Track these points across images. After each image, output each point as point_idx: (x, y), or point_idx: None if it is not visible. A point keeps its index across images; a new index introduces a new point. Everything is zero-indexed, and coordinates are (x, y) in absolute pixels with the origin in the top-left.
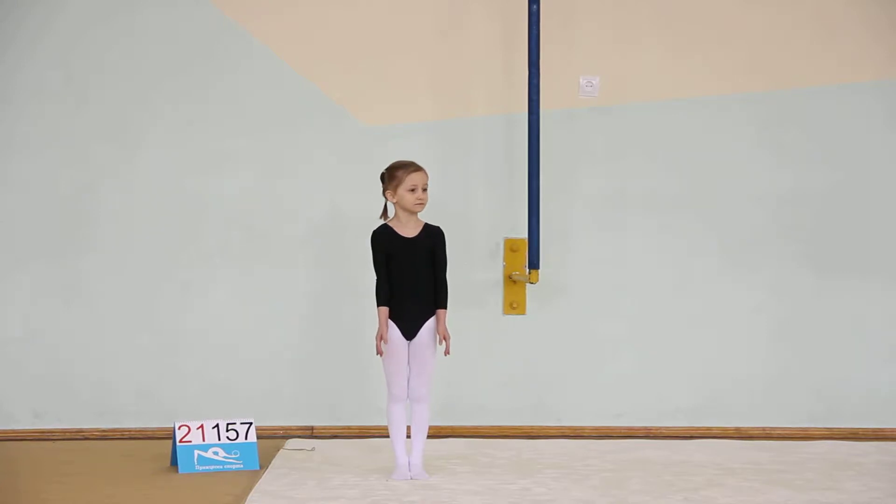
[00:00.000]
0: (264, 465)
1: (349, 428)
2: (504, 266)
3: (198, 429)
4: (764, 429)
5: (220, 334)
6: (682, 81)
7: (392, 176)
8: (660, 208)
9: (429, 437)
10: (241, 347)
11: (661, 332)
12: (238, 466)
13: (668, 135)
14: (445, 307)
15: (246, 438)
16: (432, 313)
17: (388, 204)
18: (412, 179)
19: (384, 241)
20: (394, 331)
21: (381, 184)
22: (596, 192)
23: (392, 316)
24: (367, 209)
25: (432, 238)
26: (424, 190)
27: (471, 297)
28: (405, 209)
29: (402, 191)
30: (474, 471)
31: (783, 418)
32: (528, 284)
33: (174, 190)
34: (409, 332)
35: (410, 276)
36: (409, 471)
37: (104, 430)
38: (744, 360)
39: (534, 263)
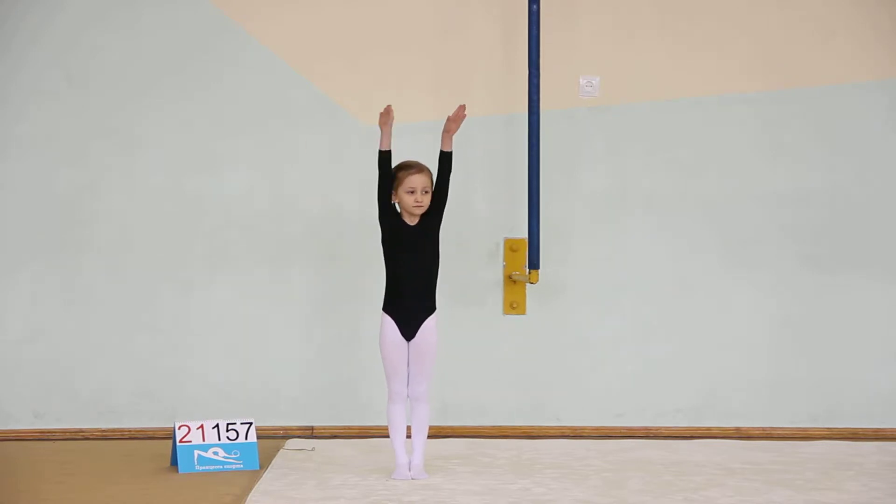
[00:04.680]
0: (264, 465)
1: (349, 428)
2: (504, 266)
3: (198, 429)
4: (764, 429)
5: (220, 334)
6: (682, 81)
7: (394, 176)
8: (660, 208)
9: (429, 437)
10: (241, 347)
11: (661, 332)
12: (238, 466)
13: (668, 134)
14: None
15: (246, 438)
16: (431, 312)
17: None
18: (410, 182)
19: (392, 214)
20: (393, 330)
21: None
22: (596, 192)
23: (391, 314)
24: (366, 209)
25: (428, 213)
26: (425, 192)
27: (471, 297)
28: (405, 210)
29: (402, 192)
30: (474, 471)
31: (783, 418)
32: (528, 284)
33: (174, 189)
34: (409, 333)
35: (411, 272)
36: (409, 471)
37: (104, 430)
38: (744, 360)
39: (534, 263)
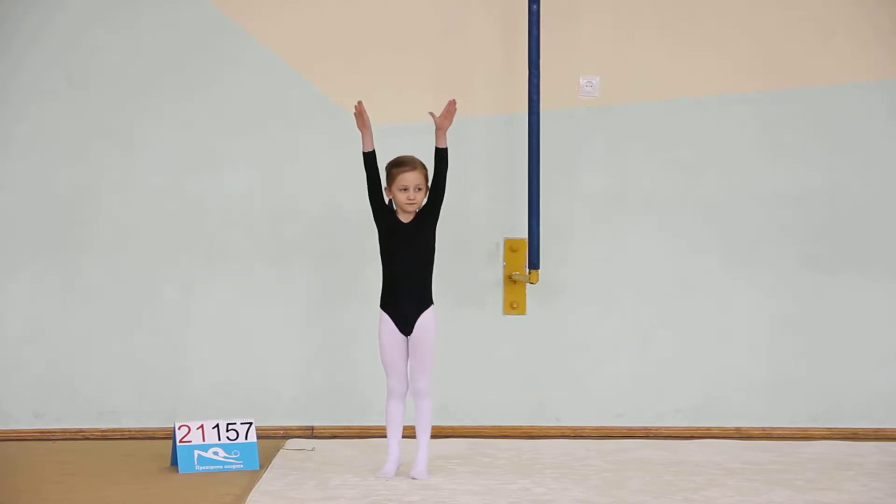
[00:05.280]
0: (264, 465)
1: (349, 428)
2: (504, 266)
3: (198, 429)
4: (764, 429)
5: (220, 334)
6: (682, 81)
7: (388, 173)
8: (660, 208)
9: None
10: (240, 347)
11: (661, 332)
12: (238, 466)
13: (668, 134)
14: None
15: (246, 438)
16: (427, 306)
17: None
18: (403, 179)
19: (387, 211)
20: (390, 327)
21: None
22: (596, 192)
23: (387, 311)
24: (366, 209)
25: (423, 210)
26: (418, 189)
27: (471, 297)
28: (399, 208)
29: (395, 189)
30: (474, 471)
31: (783, 418)
32: (528, 284)
33: (174, 189)
34: (406, 329)
35: (406, 269)
36: (412, 471)
37: (104, 430)
38: (744, 360)
39: (534, 263)
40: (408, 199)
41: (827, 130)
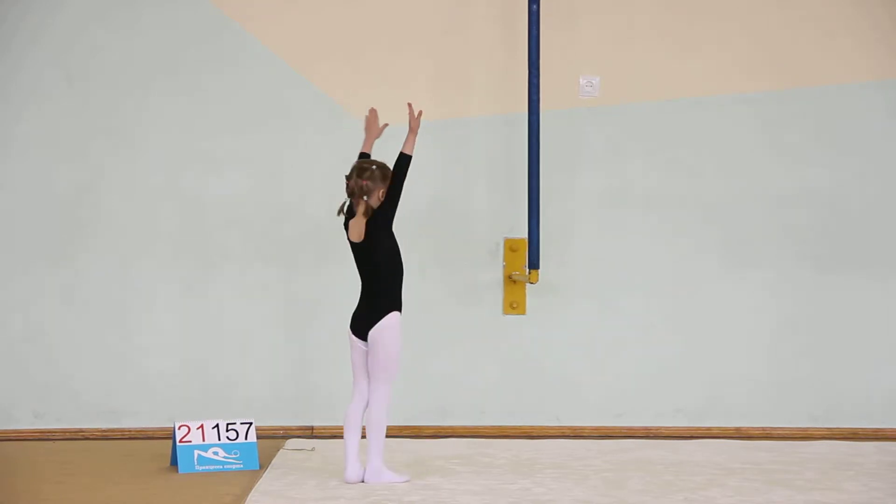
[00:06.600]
0: (264, 465)
1: None
2: (504, 266)
3: (198, 429)
4: (764, 429)
5: (221, 334)
6: (682, 81)
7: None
8: (660, 208)
9: (428, 437)
10: (241, 348)
11: (661, 331)
12: (238, 466)
13: (668, 135)
14: None
15: (246, 438)
16: None
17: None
18: None
19: None
20: None
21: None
22: (596, 192)
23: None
24: None
25: None
26: None
27: (471, 297)
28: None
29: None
30: (474, 471)
31: (783, 418)
32: (528, 284)
33: (174, 189)
34: None
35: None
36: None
37: (104, 430)
38: (744, 360)
39: (534, 263)
40: None
41: (827, 130)
